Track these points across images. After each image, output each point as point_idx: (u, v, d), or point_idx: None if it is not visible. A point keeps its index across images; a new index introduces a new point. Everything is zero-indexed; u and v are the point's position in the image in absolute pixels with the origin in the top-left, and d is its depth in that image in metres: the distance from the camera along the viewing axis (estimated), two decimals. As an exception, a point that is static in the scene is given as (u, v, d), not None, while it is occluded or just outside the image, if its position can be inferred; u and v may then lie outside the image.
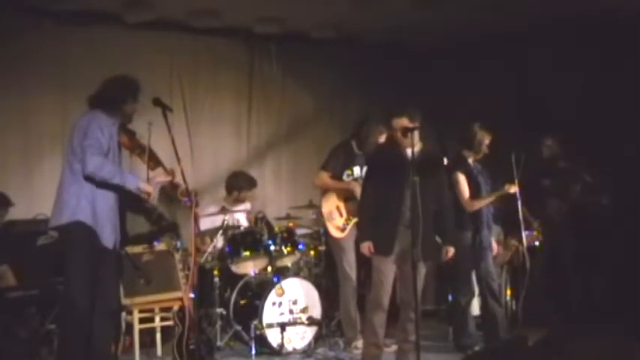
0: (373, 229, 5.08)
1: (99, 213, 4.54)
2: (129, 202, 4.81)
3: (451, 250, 5.11)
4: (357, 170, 5.94)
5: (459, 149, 5.96)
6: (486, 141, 5.83)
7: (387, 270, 5.03)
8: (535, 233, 5.96)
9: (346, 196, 5.95)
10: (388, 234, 5.01)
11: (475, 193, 5.80)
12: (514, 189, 5.70)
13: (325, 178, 5.95)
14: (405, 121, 5.00)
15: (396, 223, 4.99)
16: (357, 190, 5.67)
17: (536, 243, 5.96)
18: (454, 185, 5.79)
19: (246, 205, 6.70)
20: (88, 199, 4.52)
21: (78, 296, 4.50)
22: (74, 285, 4.53)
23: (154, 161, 4.76)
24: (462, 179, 5.79)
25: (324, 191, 6.03)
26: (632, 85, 6.45)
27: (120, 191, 4.64)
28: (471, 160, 5.89)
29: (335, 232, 5.91)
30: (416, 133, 4.99)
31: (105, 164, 4.50)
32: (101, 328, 4.66)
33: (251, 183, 6.70)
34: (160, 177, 4.74)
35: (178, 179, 4.77)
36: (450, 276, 6.23)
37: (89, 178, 4.49)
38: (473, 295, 5.92)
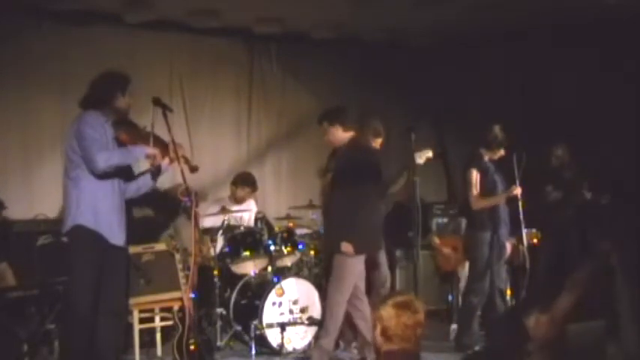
0: None
1: (102, 214, 4.58)
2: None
3: (346, 246, 5.20)
4: None
5: (475, 147, 5.96)
6: (506, 142, 5.84)
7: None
8: (534, 231, 5.94)
9: None
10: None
11: (492, 191, 5.80)
12: (518, 190, 5.71)
13: (327, 182, 5.97)
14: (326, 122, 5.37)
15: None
16: None
17: (535, 240, 5.93)
18: (467, 182, 5.80)
19: (249, 205, 6.70)
20: (88, 203, 4.56)
21: (80, 298, 4.54)
22: (77, 287, 4.58)
23: (160, 146, 4.76)
24: (474, 176, 5.80)
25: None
26: (633, 86, 6.46)
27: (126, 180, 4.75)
28: (486, 159, 5.89)
29: None
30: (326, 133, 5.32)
31: (111, 155, 4.58)
32: (106, 328, 4.69)
33: (249, 182, 6.70)
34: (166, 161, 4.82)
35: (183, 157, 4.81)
36: (452, 278, 6.25)
37: (105, 175, 4.57)
38: (485, 296, 5.87)
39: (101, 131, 4.60)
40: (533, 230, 5.94)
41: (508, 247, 5.91)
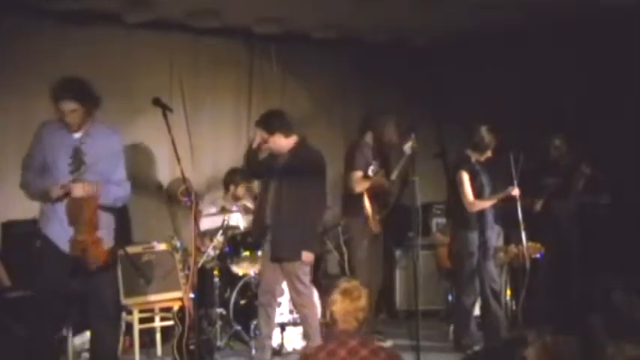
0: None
1: (50, 220, 4.52)
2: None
3: (308, 256, 5.28)
4: (373, 165, 6.21)
5: (462, 149, 5.98)
6: (493, 144, 5.85)
7: (263, 268, 5.59)
8: (538, 245, 5.92)
9: (375, 192, 6.18)
10: (255, 233, 5.63)
11: (478, 193, 5.81)
12: (516, 191, 5.71)
13: (358, 178, 6.13)
14: (263, 133, 5.37)
15: (262, 223, 5.40)
16: (386, 185, 6.17)
17: (538, 255, 5.92)
18: (458, 184, 5.81)
19: (246, 203, 6.70)
20: (43, 208, 4.58)
21: (40, 296, 4.55)
22: (37, 285, 4.59)
23: None
24: (465, 178, 5.80)
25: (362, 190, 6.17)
26: (633, 85, 6.46)
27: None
28: (474, 160, 5.90)
29: (376, 228, 6.20)
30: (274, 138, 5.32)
31: (24, 177, 4.58)
32: (100, 333, 4.68)
33: (247, 177, 6.69)
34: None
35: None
36: (453, 276, 6.24)
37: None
38: (477, 295, 5.91)
39: (48, 141, 4.53)
40: (538, 245, 5.90)
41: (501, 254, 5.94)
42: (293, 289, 5.38)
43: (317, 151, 5.50)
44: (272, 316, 5.52)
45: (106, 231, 4.56)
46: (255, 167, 5.55)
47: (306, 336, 5.52)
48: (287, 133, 5.36)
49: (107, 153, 4.61)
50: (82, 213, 4.33)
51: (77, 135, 4.56)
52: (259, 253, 5.86)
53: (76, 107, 4.48)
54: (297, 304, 5.48)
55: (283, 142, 5.35)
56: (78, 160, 4.48)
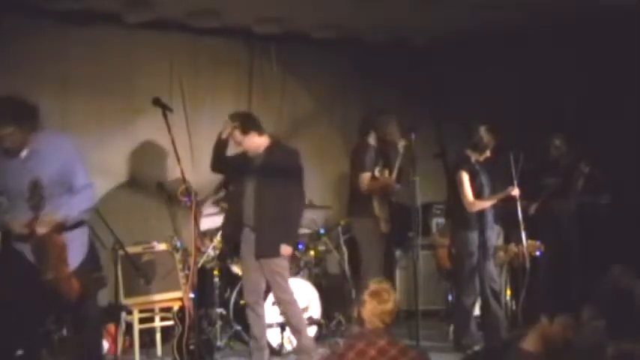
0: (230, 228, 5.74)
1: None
2: None
3: (287, 249, 5.38)
4: (379, 165, 6.29)
5: (462, 149, 5.99)
6: (492, 144, 5.86)
7: (245, 268, 5.59)
8: (538, 243, 5.92)
9: (382, 193, 6.26)
10: (234, 234, 5.68)
11: (478, 193, 5.81)
12: (516, 191, 5.71)
13: (369, 179, 6.19)
14: (236, 130, 5.47)
15: (239, 223, 5.50)
16: (393, 185, 6.21)
17: (538, 253, 5.93)
18: (457, 184, 5.81)
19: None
20: None
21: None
22: None
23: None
24: (465, 179, 5.81)
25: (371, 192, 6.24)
26: (633, 85, 6.46)
27: None
28: (473, 160, 5.91)
29: (385, 228, 6.28)
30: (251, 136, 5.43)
31: None
32: (85, 337, 4.47)
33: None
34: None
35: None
36: (453, 276, 6.25)
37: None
38: (477, 295, 5.92)
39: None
40: (537, 242, 5.90)
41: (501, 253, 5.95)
42: (276, 285, 5.44)
43: (293, 149, 5.64)
44: (261, 314, 5.55)
45: (75, 250, 4.23)
46: (223, 160, 5.62)
47: (295, 332, 5.52)
48: (260, 132, 5.48)
49: (61, 161, 4.20)
50: (49, 249, 4.04)
51: (23, 154, 4.14)
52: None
53: (12, 130, 4.01)
54: (282, 302, 5.50)
55: (257, 142, 5.46)
56: (37, 196, 3.95)
